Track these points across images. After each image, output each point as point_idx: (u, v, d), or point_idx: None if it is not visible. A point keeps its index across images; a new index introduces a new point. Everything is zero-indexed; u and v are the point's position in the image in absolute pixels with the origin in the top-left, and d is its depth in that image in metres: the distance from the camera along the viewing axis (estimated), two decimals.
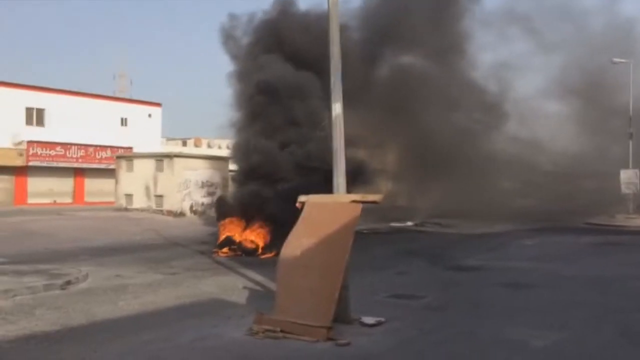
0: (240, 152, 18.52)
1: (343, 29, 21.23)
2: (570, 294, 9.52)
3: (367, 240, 18.36)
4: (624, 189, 30.35)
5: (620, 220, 27.88)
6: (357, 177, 17.32)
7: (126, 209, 30.02)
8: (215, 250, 15.03)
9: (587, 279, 10.99)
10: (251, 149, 17.11)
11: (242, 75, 19.92)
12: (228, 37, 21.79)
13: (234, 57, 21.56)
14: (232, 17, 22.09)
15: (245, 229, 15.68)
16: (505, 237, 20.49)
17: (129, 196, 30.69)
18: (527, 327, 7.10)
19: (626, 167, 30.15)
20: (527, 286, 10.28)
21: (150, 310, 8.21)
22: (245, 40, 21.58)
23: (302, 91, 17.61)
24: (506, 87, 33.38)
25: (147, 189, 29.90)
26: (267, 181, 16.22)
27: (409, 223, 26.37)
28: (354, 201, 7.36)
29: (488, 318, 7.72)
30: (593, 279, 11.04)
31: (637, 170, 29.92)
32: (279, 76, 17.58)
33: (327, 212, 7.49)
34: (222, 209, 17.48)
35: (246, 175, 17.47)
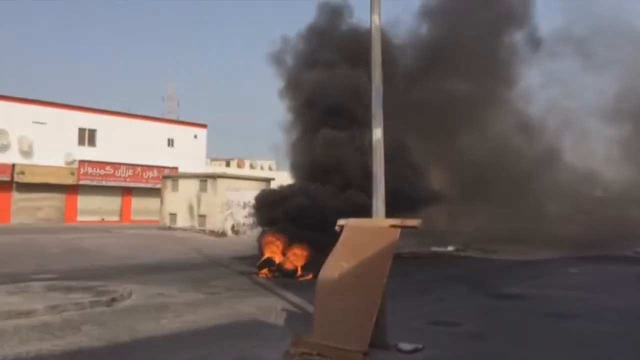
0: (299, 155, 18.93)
1: (390, 47, 21.54)
2: (614, 326, 9.23)
3: (406, 265, 18.23)
4: None
5: None
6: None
7: (170, 228, 30.74)
8: (254, 271, 15.21)
9: (634, 311, 10.62)
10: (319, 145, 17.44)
11: (299, 86, 20.42)
12: (280, 55, 22.41)
13: (287, 73, 22.07)
14: (284, 38, 22.88)
15: (285, 247, 15.82)
16: (550, 264, 19.97)
17: (173, 215, 31.44)
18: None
19: None
20: (570, 317, 10.01)
21: (190, 329, 8.41)
22: (298, 54, 22.23)
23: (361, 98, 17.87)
24: (557, 109, 32.87)
25: (190, 208, 30.59)
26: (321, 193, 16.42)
27: (450, 248, 26.02)
28: (392, 226, 7.41)
29: (527, 348, 7.57)
30: (639, 311, 10.68)
31: None
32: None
33: (366, 236, 7.56)
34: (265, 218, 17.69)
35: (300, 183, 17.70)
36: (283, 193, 18.20)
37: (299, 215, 16.10)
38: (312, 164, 18.23)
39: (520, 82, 28.91)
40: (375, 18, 8.36)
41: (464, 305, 11.30)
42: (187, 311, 9.72)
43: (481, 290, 13.20)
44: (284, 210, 16.77)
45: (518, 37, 27.69)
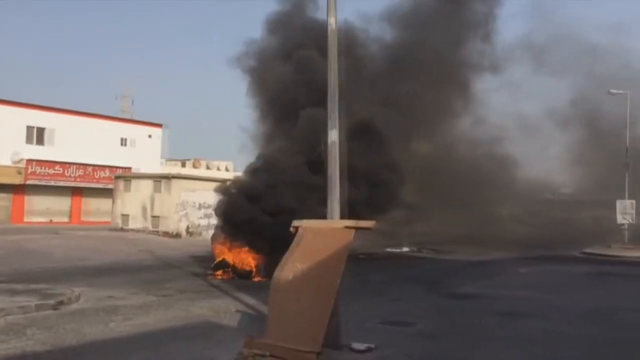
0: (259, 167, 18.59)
1: (359, 44, 21.39)
2: (562, 324, 9.51)
3: (363, 266, 18.34)
4: (620, 219, 30.46)
5: (616, 250, 27.86)
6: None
7: (122, 229, 30.01)
8: (209, 272, 15.00)
9: (580, 310, 10.98)
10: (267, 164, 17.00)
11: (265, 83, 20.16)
12: (244, 58, 22.04)
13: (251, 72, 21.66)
14: (247, 40, 22.66)
15: (238, 249, 15.64)
16: (501, 264, 20.47)
17: (125, 216, 30.70)
18: (519, 358, 7.10)
19: (622, 197, 30.26)
20: (520, 315, 10.27)
21: (141, 332, 8.20)
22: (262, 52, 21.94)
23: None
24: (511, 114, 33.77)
25: (144, 209, 29.93)
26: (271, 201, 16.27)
27: (406, 249, 26.36)
28: (347, 227, 7.42)
29: (479, 347, 7.71)
30: (586, 310, 11.03)
31: (633, 201, 30.05)
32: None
33: (320, 237, 7.54)
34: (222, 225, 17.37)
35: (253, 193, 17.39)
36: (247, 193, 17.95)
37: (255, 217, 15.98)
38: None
39: (477, 87, 29.57)
40: (332, 20, 8.37)
41: (418, 305, 11.44)
42: (138, 314, 9.49)
43: (435, 290, 13.40)
44: (242, 210, 16.64)
45: (478, 46, 28.36)
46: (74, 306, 9.98)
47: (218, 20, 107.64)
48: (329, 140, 8.13)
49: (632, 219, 30.07)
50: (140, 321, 8.92)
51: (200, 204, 30.08)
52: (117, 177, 33.16)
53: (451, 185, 29.63)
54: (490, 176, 31.80)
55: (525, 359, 7.05)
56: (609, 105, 36.28)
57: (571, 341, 8.19)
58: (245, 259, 15.26)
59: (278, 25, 21.52)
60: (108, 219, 32.95)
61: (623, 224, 30.36)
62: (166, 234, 28.30)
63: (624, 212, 30.01)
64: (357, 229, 7.34)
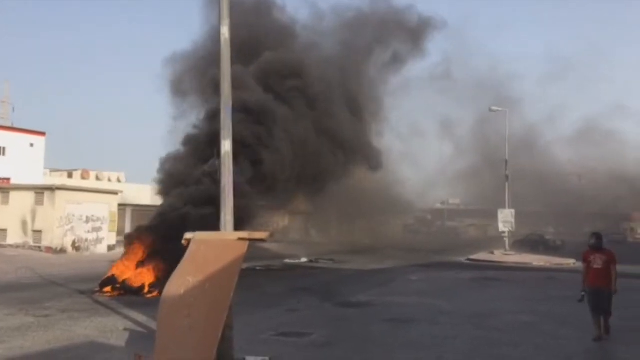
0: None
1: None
2: (448, 328, 9.99)
3: (259, 278, 18.22)
4: (502, 227, 32.73)
5: (498, 256, 29.87)
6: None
7: None
8: (96, 290, 14.16)
9: (465, 314, 11.60)
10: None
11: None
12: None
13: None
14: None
15: (139, 263, 15.02)
16: (393, 272, 21.20)
17: (2, 231, 28.29)
18: None
19: (503, 207, 32.54)
20: (409, 321, 10.66)
21: (16, 356, 7.56)
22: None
23: None
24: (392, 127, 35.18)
25: (24, 223, 27.76)
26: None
27: (304, 259, 26.56)
28: (240, 239, 7.32)
29: (371, 354, 7.90)
30: (470, 313, 11.67)
31: (512, 210, 32.41)
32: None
33: (212, 250, 7.37)
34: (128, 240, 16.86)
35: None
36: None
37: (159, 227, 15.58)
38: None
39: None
40: (225, 31, 8.26)
41: (313, 315, 11.53)
42: (14, 336, 8.74)
43: (330, 300, 13.58)
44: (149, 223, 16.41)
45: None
46: None
47: (107, 21, 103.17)
48: (222, 151, 7.99)
49: (512, 227, 32.42)
50: (16, 344, 8.24)
51: (87, 217, 28.46)
52: None
53: (347, 196, 30.31)
54: (383, 188, 33.00)
55: None
56: (491, 122, 39.04)
57: (455, 344, 8.62)
58: (140, 274, 14.62)
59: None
60: None
61: (504, 232, 32.64)
62: (49, 249, 26.43)
63: (505, 220, 32.27)
64: (250, 240, 7.26)
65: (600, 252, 8.94)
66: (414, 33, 30.54)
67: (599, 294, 8.74)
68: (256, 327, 9.49)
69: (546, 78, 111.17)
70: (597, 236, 9.11)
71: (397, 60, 30.75)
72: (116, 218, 31.39)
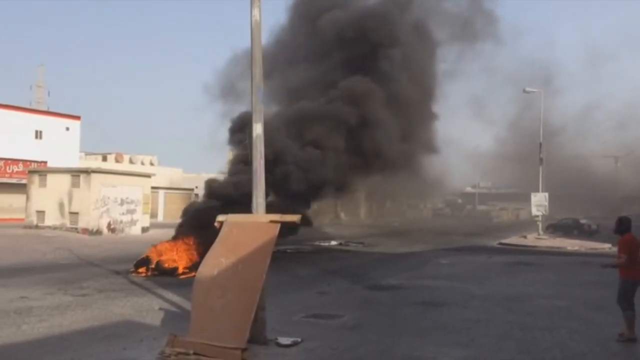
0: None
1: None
2: (479, 312, 9.93)
3: (290, 260, 18.37)
4: (535, 211, 32.19)
5: (531, 240, 29.43)
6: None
7: (37, 227, 28.49)
8: (131, 270, 14.50)
9: (496, 298, 11.50)
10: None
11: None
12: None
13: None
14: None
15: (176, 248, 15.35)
16: (423, 256, 21.12)
17: (40, 213, 29.13)
18: (437, 345, 7.34)
19: (537, 190, 31.96)
20: (440, 304, 10.63)
21: (56, 333, 7.81)
22: None
23: None
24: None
25: (61, 205, 28.52)
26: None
27: (334, 242, 26.64)
28: (272, 221, 7.37)
29: (402, 336, 7.90)
30: (502, 297, 11.56)
31: (546, 194, 31.80)
32: None
33: (245, 232, 7.46)
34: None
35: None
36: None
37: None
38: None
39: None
40: (256, 13, 8.24)
41: (343, 297, 11.59)
42: (53, 315, 9.03)
43: (360, 283, 13.62)
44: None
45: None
46: None
47: (140, 6, 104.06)
48: (254, 134, 8.03)
49: (545, 211, 31.85)
50: (55, 322, 8.50)
51: (122, 200, 29.05)
52: (31, 172, 31.40)
53: (379, 178, 30.06)
54: (416, 169, 32.47)
55: (444, 346, 7.29)
56: (524, 104, 38.18)
57: (487, 328, 8.56)
58: (174, 255, 14.90)
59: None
60: (22, 216, 31.11)
61: (537, 216, 32.10)
62: (85, 231, 27.12)
63: (538, 204, 31.72)
64: (282, 223, 7.32)
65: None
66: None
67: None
68: (287, 308, 9.60)
69: (586, 62, 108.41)
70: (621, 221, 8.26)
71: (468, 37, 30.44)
72: (149, 200, 32.01)
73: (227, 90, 27.08)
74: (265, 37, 24.39)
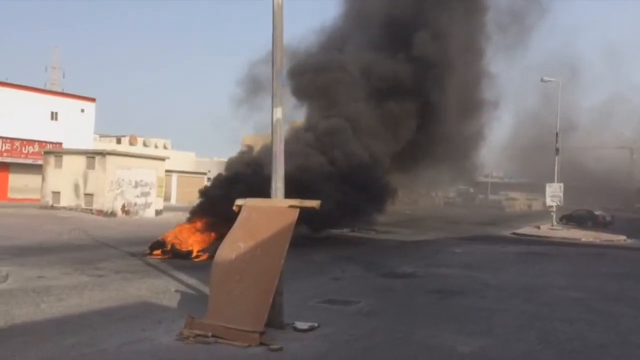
0: None
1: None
2: (495, 301, 9.88)
3: (304, 246, 18.36)
4: (549, 202, 31.90)
5: (545, 231, 29.23)
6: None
7: (53, 207, 28.77)
8: (146, 252, 14.59)
9: (512, 288, 11.43)
10: None
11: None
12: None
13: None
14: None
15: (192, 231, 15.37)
16: (437, 244, 21.06)
17: (56, 194, 29.42)
18: (454, 334, 7.31)
19: (552, 181, 31.64)
20: (455, 293, 10.59)
21: (74, 313, 7.88)
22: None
23: None
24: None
25: (76, 186, 28.76)
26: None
27: (346, 229, 26.58)
28: (291, 206, 7.35)
29: (418, 324, 7.88)
30: (517, 287, 11.49)
31: (561, 184, 31.48)
32: None
33: (264, 217, 7.44)
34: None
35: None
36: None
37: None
38: None
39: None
40: None
41: (358, 284, 11.59)
42: (71, 294, 9.11)
43: (375, 270, 13.61)
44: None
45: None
46: (2, 286, 9.49)
47: None
48: (274, 118, 7.99)
49: (560, 202, 31.56)
50: (73, 302, 8.57)
51: (136, 182, 29.22)
52: (47, 153, 31.66)
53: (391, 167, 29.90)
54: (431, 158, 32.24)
55: (459, 334, 7.26)
56: (540, 93, 37.67)
57: (504, 317, 8.51)
58: (188, 238, 14.95)
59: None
60: (37, 197, 31.45)
61: (552, 206, 31.82)
62: (100, 212, 27.35)
63: (552, 194, 31.41)
64: (301, 208, 7.29)
65: None
66: None
67: None
68: (303, 294, 9.61)
69: (604, 55, 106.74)
70: None
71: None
72: (163, 183, 32.18)
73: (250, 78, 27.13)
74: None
